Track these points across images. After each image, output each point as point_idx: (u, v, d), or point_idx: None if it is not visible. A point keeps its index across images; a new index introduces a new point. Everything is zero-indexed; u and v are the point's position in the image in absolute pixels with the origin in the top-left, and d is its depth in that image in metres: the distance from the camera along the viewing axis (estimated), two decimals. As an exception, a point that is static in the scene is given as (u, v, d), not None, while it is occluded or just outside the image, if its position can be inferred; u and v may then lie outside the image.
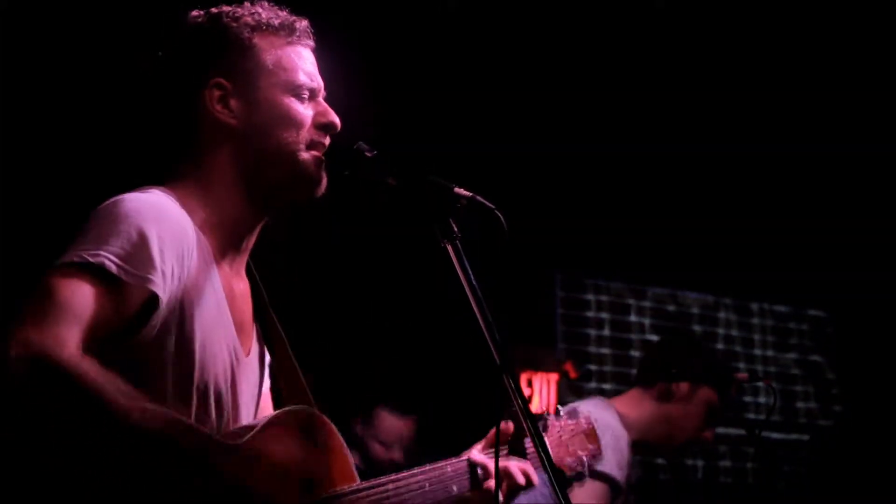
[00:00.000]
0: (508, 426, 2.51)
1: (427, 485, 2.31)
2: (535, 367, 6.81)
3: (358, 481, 2.22)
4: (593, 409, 4.04)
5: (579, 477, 2.71)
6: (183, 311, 2.06)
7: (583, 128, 6.29)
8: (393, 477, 2.26)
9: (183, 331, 2.06)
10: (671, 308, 7.60)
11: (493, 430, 2.49)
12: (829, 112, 6.49)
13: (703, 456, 7.44)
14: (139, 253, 1.97)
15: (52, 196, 4.61)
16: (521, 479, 2.45)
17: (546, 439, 2.58)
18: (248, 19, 2.25)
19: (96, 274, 1.92)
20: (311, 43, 2.33)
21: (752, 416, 7.51)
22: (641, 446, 4.15)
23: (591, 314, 7.29)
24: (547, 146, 6.30)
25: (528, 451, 2.52)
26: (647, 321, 7.48)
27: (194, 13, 2.28)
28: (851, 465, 7.29)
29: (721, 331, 7.71)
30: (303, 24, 2.31)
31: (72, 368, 1.80)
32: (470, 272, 2.09)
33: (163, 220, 2.05)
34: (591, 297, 7.34)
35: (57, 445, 1.80)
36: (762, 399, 7.63)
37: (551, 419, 2.68)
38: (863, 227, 7.15)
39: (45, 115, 4.72)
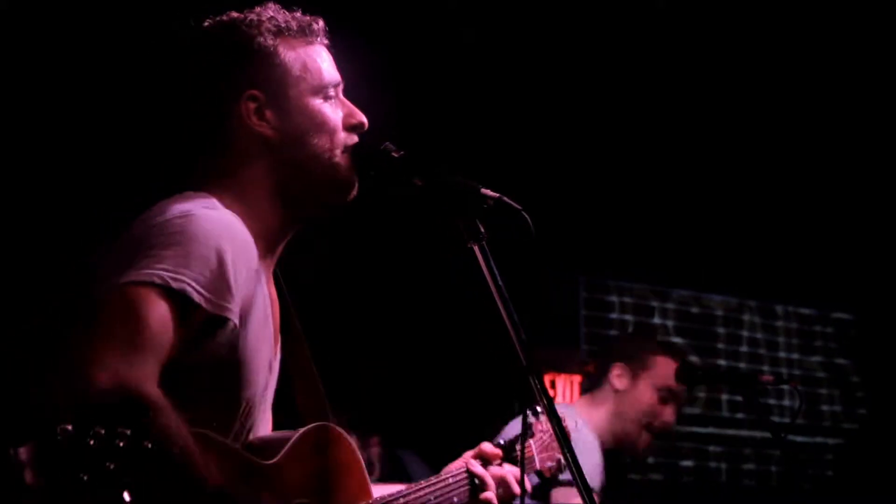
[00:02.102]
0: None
1: (432, 498, 2.41)
2: (558, 368, 6.81)
3: (373, 497, 2.28)
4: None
5: (554, 480, 2.77)
6: (241, 329, 2.07)
7: (606, 130, 6.29)
8: (403, 491, 2.36)
9: (237, 347, 2.07)
10: (695, 310, 7.58)
11: (483, 443, 2.59)
12: (843, 111, 6.46)
13: (727, 458, 7.42)
14: (219, 279, 1.98)
15: (77, 206, 4.62)
16: (517, 489, 2.53)
17: (533, 443, 2.67)
18: (269, 25, 2.24)
19: (176, 299, 1.92)
20: (327, 41, 2.34)
21: (776, 419, 7.48)
22: (610, 450, 4.15)
23: (614, 316, 7.27)
24: (572, 148, 6.29)
25: (517, 457, 2.60)
26: (670, 323, 7.46)
27: (209, 24, 2.27)
28: (876, 469, 7.25)
29: (745, 333, 7.68)
30: (319, 23, 2.32)
31: (158, 411, 1.80)
32: (497, 273, 2.10)
33: (236, 241, 2.06)
34: (614, 298, 7.32)
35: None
36: (787, 402, 7.60)
37: (534, 422, 2.74)
38: (888, 230, 7.11)
39: (67, 125, 4.74)
